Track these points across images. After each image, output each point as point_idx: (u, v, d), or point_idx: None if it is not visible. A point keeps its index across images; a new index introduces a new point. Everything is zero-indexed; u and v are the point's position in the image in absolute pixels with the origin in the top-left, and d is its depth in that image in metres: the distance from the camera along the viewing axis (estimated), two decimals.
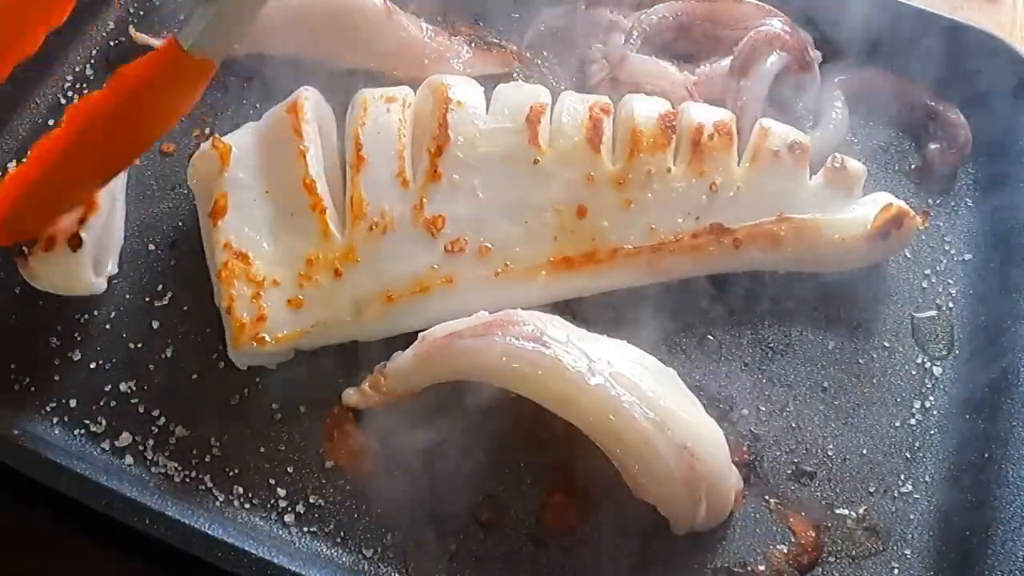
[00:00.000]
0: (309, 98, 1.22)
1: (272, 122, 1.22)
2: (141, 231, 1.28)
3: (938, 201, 1.37)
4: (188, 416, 1.16)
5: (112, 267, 1.23)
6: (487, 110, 1.21)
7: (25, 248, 1.19)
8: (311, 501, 1.12)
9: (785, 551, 1.12)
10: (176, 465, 1.14)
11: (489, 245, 1.16)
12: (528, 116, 1.19)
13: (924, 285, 1.30)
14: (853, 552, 1.12)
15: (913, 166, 1.39)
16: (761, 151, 1.22)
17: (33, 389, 1.18)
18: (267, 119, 1.23)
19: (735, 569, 1.11)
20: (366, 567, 1.09)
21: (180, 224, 1.29)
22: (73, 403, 1.17)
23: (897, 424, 1.20)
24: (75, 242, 1.15)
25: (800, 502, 1.15)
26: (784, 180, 1.22)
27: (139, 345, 1.21)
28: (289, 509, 1.12)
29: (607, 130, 1.21)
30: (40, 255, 1.17)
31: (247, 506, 1.12)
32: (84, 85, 1.40)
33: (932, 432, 1.19)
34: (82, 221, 1.16)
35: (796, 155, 1.22)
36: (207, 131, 1.29)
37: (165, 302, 1.23)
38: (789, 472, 1.16)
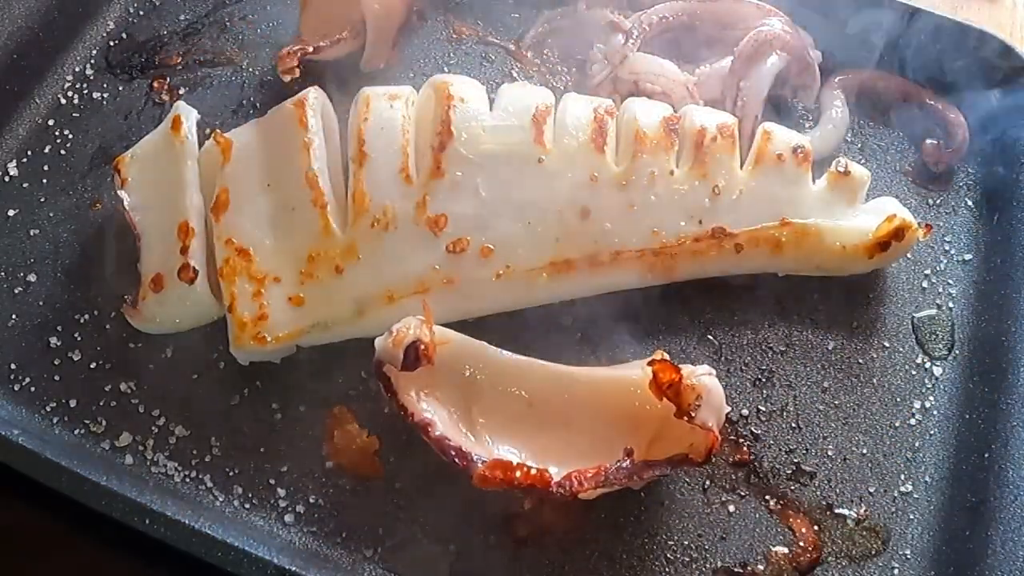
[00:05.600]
0: (317, 96, 1.22)
1: (277, 116, 1.22)
2: None
3: (938, 201, 1.37)
4: (188, 416, 1.17)
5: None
6: (490, 109, 1.21)
7: (127, 298, 1.19)
8: (311, 501, 1.12)
9: (785, 551, 1.12)
10: (176, 465, 1.14)
11: (491, 246, 1.16)
12: (534, 116, 1.19)
13: (924, 285, 1.30)
14: (853, 552, 1.12)
15: (912, 166, 1.39)
16: (764, 155, 1.22)
17: (33, 389, 1.18)
18: (272, 114, 1.23)
19: (735, 569, 1.11)
20: (366, 567, 1.09)
21: None
22: (73, 403, 1.17)
23: (897, 424, 1.20)
24: (189, 273, 1.15)
25: (800, 502, 1.15)
26: (786, 184, 1.22)
27: (139, 345, 1.21)
28: (289, 509, 1.12)
29: (611, 131, 1.21)
30: (151, 297, 1.17)
31: (247, 506, 1.12)
32: (84, 85, 1.41)
33: (932, 432, 1.20)
34: (184, 251, 1.16)
35: (799, 159, 1.22)
36: (208, 130, 1.29)
37: None
38: (789, 472, 1.17)
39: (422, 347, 1.03)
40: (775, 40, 1.34)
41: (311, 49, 1.34)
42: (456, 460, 1.03)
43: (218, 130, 1.25)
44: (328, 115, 1.25)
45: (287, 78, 1.33)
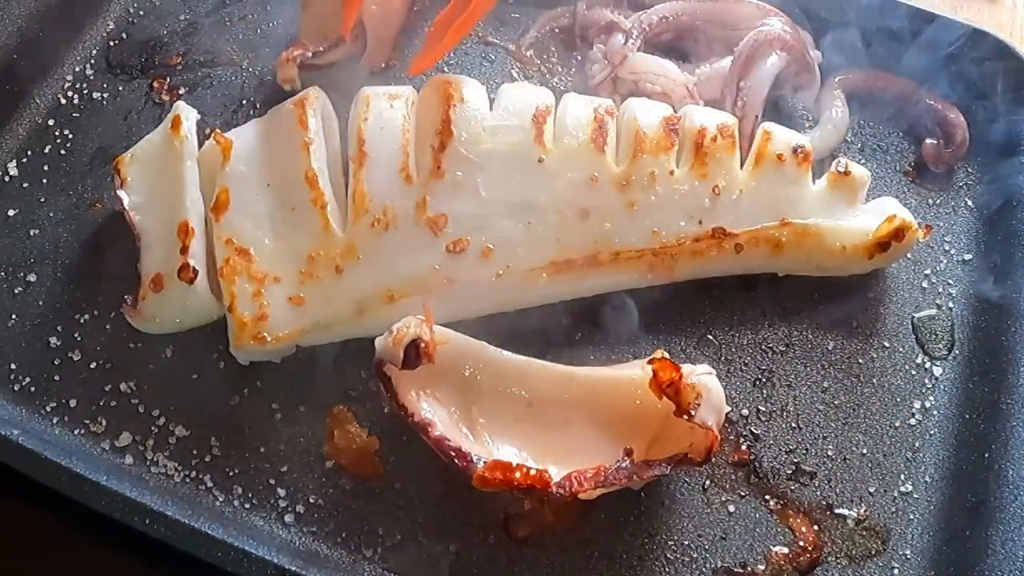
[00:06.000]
0: (317, 96, 1.22)
1: (277, 116, 1.22)
2: None
3: (938, 201, 1.37)
4: (188, 416, 1.17)
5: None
6: (491, 109, 1.21)
7: (127, 298, 1.19)
8: (311, 501, 1.12)
9: (785, 551, 1.12)
10: (176, 465, 1.14)
11: (491, 246, 1.16)
12: (534, 116, 1.19)
13: (924, 285, 1.30)
14: (853, 552, 1.12)
15: (912, 166, 1.39)
16: (764, 155, 1.22)
17: (33, 389, 1.18)
18: (272, 114, 1.24)
19: (735, 569, 1.11)
20: (366, 567, 1.09)
21: None
22: (73, 403, 1.17)
23: (897, 424, 1.20)
24: (189, 274, 1.15)
25: (800, 502, 1.15)
26: (787, 184, 1.22)
27: (139, 345, 1.21)
28: (289, 509, 1.12)
29: (611, 131, 1.21)
30: (151, 297, 1.17)
31: (247, 506, 1.12)
32: (84, 85, 1.41)
33: (932, 432, 1.20)
34: (184, 251, 1.16)
35: (799, 159, 1.22)
36: (208, 130, 1.29)
37: None
38: (789, 472, 1.17)
39: (422, 345, 1.03)
40: (775, 40, 1.34)
41: (311, 54, 1.34)
42: (456, 460, 1.03)
43: (218, 130, 1.25)
44: (328, 115, 1.25)
45: (287, 87, 1.33)
